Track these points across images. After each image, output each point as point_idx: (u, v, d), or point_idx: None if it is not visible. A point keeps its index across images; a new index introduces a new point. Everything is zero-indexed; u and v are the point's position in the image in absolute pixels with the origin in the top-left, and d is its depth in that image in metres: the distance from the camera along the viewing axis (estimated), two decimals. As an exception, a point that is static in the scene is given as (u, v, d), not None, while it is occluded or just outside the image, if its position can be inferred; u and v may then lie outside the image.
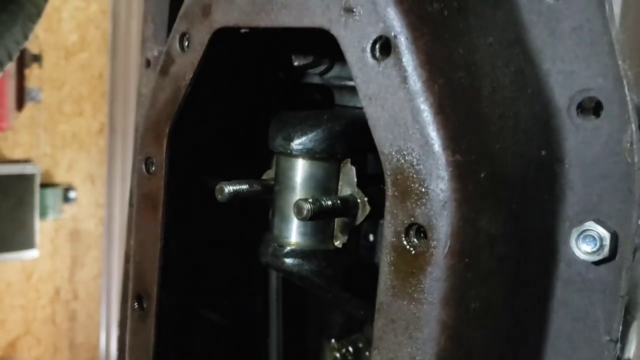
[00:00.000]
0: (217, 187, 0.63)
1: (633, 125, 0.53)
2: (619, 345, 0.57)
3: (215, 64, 0.67)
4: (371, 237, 0.90)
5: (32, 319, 3.89)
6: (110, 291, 4.13)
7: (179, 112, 0.68)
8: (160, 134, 0.69)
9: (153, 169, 0.70)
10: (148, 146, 0.70)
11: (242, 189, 0.63)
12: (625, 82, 0.53)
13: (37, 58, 3.67)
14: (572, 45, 0.56)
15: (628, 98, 0.53)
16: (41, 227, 3.83)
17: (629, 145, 0.53)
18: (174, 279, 0.73)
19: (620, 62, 0.53)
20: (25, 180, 3.73)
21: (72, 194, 4.02)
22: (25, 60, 3.57)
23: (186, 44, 0.66)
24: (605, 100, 0.55)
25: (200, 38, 0.64)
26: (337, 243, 0.63)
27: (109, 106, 4.08)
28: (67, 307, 4.10)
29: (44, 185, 3.85)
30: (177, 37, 0.67)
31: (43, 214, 3.84)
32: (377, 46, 0.51)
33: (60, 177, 4.00)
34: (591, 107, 0.56)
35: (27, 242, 3.77)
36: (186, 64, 0.66)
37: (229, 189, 0.62)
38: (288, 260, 0.62)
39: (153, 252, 0.69)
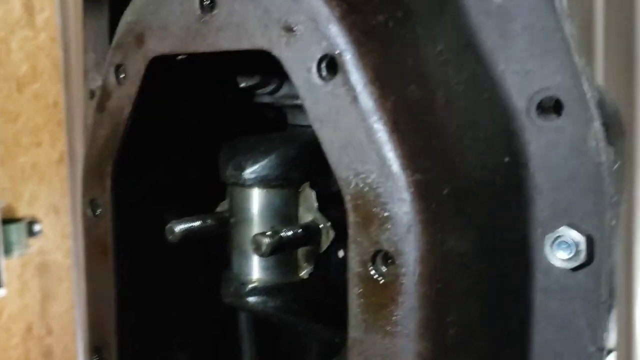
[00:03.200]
0: (167, 227, 0.58)
1: (596, 123, 0.51)
2: (605, 352, 0.55)
3: (155, 95, 0.63)
4: (341, 254, 0.86)
5: (6, 360, 3.77)
6: (86, 322, 4.02)
7: (121, 149, 0.63)
8: (103, 175, 0.64)
9: (99, 211, 0.65)
10: (92, 187, 0.65)
11: (194, 227, 0.59)
12: (584, 78, 0.51)
13: (-13, 92, 3.54)
14: (525, 44, 0.53)
15: (588, 94, 0.51)
16: (7, 265, 3.70)
17: (594, 143, 0.51)
18: (135, 325, 0.69)
19: (576, 58, 0.51)
20: (-13, 218, 3.60)
21: (36, 227, 3.88)
22: (-25, 96, 3.45)
23: (122, 76, 0.62)
24: (565, 98, 0.52)
25: (136, 69, 0.60)
26: (303, 274, 0.60)
27: (67, 135, 3.97)
28: (41, 344, 3.97)
29: (7, 221, 3.72)
30: (112, 69, 0.63)
31: (8, 251, 3.70)
32: (323, 65, 0.47)
33: (22, 210, 3.87)
34: (551, 106, 0.54)
35: (-7, 282, 3.64)
36: (123, 97, 0.62)
37: (179, 228, 0.58)
38: (251, 299, 0.58)
39: (107, 301, 0.65)
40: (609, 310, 0.54)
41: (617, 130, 0.75)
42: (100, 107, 0.64)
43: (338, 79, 0.46)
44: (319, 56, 0.47)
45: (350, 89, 0.46)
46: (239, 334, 0.83)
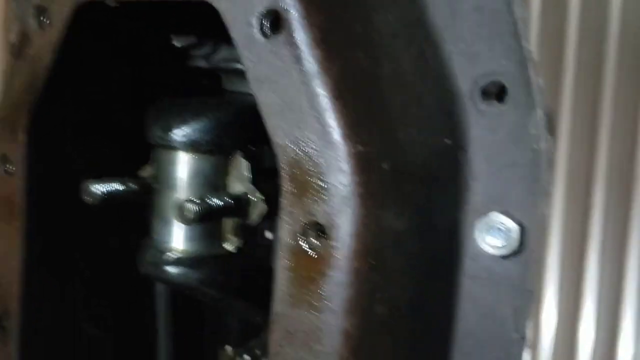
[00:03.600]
0: (85, 187, 0.54)
1: (539, 110, 0.50)
2: (526, 341, 0.55)
3: (81, 45, 0.58)
4: (269, 235, 0.83)
5: None
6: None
7: (38, 101, 0.58)
8: (17, 127, 0.59)
9: (10, 168, 0.60)
10: (3, 142, 0.60)
11: (115, 190, 0.55)
12: (530, 64, 0.50)
13: None
14: (474, 25, 0.52)
15: (533, 81, 0.50)
16: None
17: (535, 131, 0.51)
18: (43, 292, 0.64)
19: (524, 43, 0.50)
20: None
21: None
22: None
23: (44, 20, 0.57)
24: (509, 85, 0.52)
25: (61, 13, 0.55)
26: (229, 246, 0.57)
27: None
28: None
29: None
30: (33, 12, 0.57)
31: None
32: (266, 21, 0.44)
33: None
34: (494, 92, 0.53)
35: None
36: (44, 44, 0.57)
37: (98, 189, 0.54)
38: (172, 270, 0.54)
39: (12, 265, 0.60)
40: (532, 299, 0.54)
41: (551, 127, 0.76)
42: (18, 54, 0.59)
43: (281, 36, 0.44)
44: (262, 9, 0.44)
45: (294, 48, 0.43)
46: (155, 310, 0.79)
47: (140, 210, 0.63)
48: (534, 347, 1.56)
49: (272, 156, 0.48)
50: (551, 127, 0.55)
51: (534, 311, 1.49)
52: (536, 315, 1.53)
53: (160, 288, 0.77)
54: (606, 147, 1.44)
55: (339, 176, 0.43)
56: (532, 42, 1.33)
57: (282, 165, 0.45)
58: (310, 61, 0.43)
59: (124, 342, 0.77)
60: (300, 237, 0.45)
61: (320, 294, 0.44)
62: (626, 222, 1.48)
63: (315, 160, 0.44)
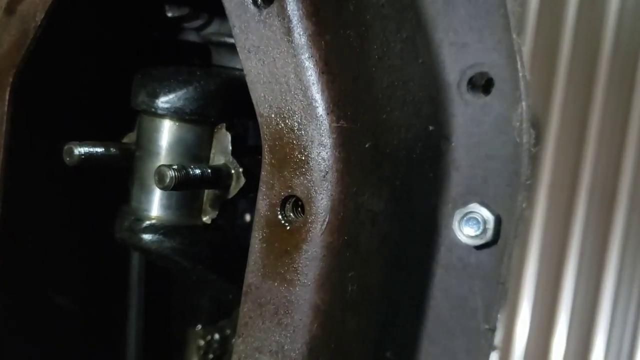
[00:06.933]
0: (66, 147, 0.53)
1: (524, 104, 0.51)
2: (495, 332, 0.55)
3: (75, 8, 0.58)
4: (247, 217, 0.83)
5: None
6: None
7: (26, 59, 0.58)
8: (3, 83, 0.58)
9: (-8, 124, 0.59)
10: (-14, 97, 0.59)
11: (96, 152, 0.54)
12: (518, 58, 0.51)
13: None
14: (466, 16, 0.53)
15: (520, 74, 0.51)
16: None
17: (518, 124, 0.51)
18: (16, 258, 0.63)
19: (514, 36, 0.51)
20: None
21: None
22: None
23: (38, -23, 0.56)
24: (496, 77, 0.52)
25: (55, -28, 0.55)
26: (206, 219, 0.56)
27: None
28: None
29: None
30: (28, -31, 0.57)
31: None
32: (259, -9, 0.44)
33: None
34: (481, 84, 0.53)
35: None
36: (38, 2, 0.56)
37: (79, 150, 0.53)
38: (146, 236, 0.54)
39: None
40: (505, 292, 0.54)
41: (537, 121, 0.76)
42: (10, 9, 0.58)
43: (273, 7, 0.44)
44: (256, -20, 0.44)
45: (285, 20, 0.43)
46: (128, 286, 0.78)
47: (119, 179, 0.62)
48: (506, 358, 1.56)
49: (256, 133, 0.48)
50: (535, 121, 0.55)
51: (508, 318, 1.50)
52: (510, 326, 1.54)
53: (134, 263, 0.77)
54: (592, 156, 1.45)
55: (320, 150, 0.43)
56: (527, 40, 1.33)
57: (265, 137, 0.45)
58: (300, 34, 0.43)
59: (94, 315, 0.76)
60: (277, 210, 0.45)
61: (294, 266, 0.44)
62: (605, 237, 1.49)
63: (298, 133, 0.44)
